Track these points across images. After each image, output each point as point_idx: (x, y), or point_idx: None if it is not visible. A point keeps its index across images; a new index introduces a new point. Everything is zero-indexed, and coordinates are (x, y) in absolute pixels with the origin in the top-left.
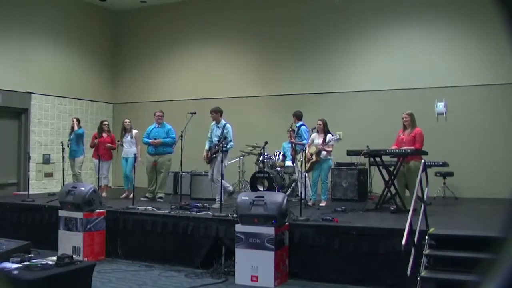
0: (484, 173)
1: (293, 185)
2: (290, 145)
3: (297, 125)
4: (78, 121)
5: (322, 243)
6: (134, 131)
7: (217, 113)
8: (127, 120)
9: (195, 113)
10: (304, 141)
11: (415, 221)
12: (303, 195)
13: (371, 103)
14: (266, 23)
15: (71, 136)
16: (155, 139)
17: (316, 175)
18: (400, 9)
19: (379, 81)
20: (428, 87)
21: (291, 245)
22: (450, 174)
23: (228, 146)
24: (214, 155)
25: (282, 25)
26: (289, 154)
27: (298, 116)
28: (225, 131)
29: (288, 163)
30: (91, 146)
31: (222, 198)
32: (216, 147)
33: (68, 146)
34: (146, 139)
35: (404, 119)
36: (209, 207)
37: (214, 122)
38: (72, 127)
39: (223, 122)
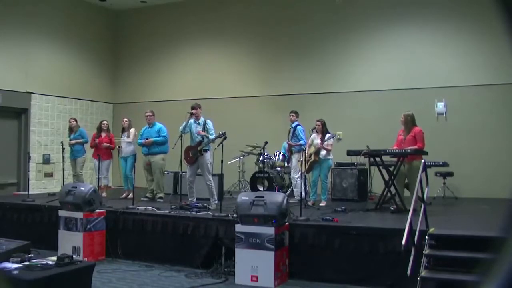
0: (484, 173)
1: (292, 187)
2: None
3: (293, 125)
4: (76, 120)
5: (322, 243)
6: (132, 129)
7: (200, 108)
8: (125, 119)
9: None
10: (302, 141)
11: (415, 221)
12: (295, 194)
13: (371, 103)
14: (266, 23)
15: (76, 135)
16: (147, 139)
17: (315, 175)
18: (400, 9)
19: (379, 81)
20: (428, 87)
21: (291, 245)
22: (450, 174)
23: (210, 137)
24: (200, 154)
25: (282, 25)
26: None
27: (296, 114)
28: (208, 127)
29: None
30: (92, 147)
31: (217, 198)
32: (199, 147)
33: (70, 147)
34: (140, 141)
35: (400, 120)
36: (209, 207)
37: (193, 119)
38: (71, 128)
39: (202, 118)
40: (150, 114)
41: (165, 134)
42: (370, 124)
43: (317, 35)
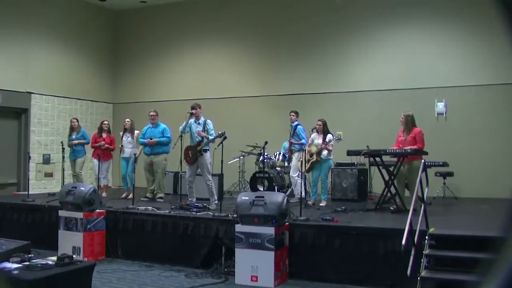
0: (484, 173)
1: (292, 187)
2: (287, 145)
3: (293, 124)
4: (78, 121)
5: (322, 243)
6: (136, 132)
7: (200, 108)
8: (127, 119)
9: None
10: (303, 141)
11: (415, 221)
12: (295, 193)
13: (371, 103)
14: (266, 23)
15: (78, 135)
16: (150, 139)
17: (316, 175)
18: (400, 9)
19: (379, 81)
20: (428, 87)
21: (291, 245)
22: (450, 174)
23: (210, 137)
24: (200, 154)
25: (283, 25)
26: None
27: (297, 114)
28: (208, 127)
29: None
30: (93, 147)
31: (217, 198)
32: (198, 147)
33: (71, 147)
34: (142, 140)
35: (400, 120)
36: (209, 207)
37: (193, 119)
38: (73, 128)
39: (202, 118)
40: (154, 114)
41: (169, 134)
42: (370, 124)
43: (317, 35)
